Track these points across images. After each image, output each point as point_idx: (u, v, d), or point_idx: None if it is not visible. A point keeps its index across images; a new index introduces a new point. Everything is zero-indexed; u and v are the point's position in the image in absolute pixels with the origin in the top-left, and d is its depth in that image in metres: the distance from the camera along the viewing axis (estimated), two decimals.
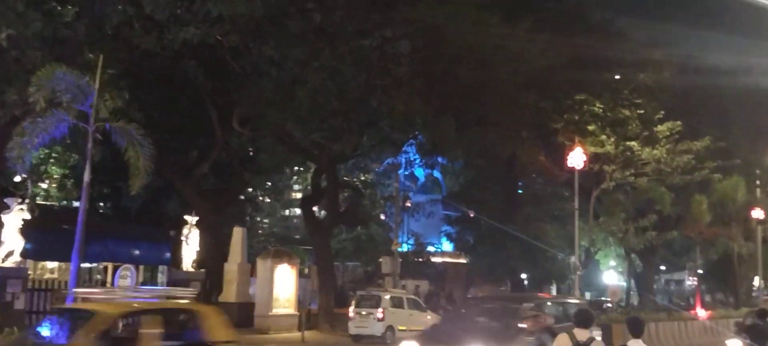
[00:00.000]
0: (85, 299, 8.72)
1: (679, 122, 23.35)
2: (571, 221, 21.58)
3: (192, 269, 20.03)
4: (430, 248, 34.45)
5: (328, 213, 22.02)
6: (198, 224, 20.20)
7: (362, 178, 25.22)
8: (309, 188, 23.57)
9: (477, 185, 27.85)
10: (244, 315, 18.56)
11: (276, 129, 18.79)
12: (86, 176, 12.73)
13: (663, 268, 37.55)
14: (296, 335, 18.24)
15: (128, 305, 7.72)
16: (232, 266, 19.86)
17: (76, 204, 18.93)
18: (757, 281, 31.66)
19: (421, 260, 32.89)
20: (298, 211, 27.53)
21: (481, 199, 27.31)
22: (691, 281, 37.92)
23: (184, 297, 8.17)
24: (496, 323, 10.48)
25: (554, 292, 31.73)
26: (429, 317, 18.45)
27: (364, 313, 18.39)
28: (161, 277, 19.51)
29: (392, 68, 17.83)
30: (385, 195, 26.82)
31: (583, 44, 21.54)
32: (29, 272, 15.86)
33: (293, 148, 20.65)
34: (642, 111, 23.54)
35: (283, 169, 24.05)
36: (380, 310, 18.34)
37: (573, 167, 21.13)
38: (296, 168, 25.82)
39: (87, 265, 18.54)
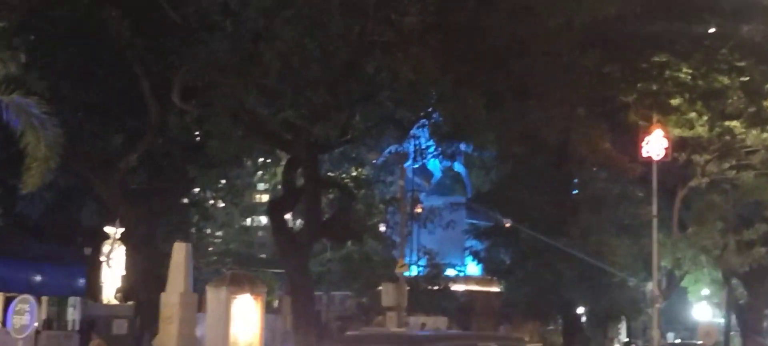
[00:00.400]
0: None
1: None
2: (647, 233, 21.90)
3: (116, 302, 20.16)
4: (450, 272, 34.69)
5: (307, 223, 22.21)
6: (124, 239, 20.24)
7: (354, 173, 24.98)
8: (278, 187, 23.99)
9: (515, 183, 27.95)
10: None
11: (232, 105, 18.88)
12: None
13: None
14: None
15: None
16: (172, 297, 19.41)
17: None
18: None
19: (436, 288, 33.05)
20: (263, 220, 28.30)
21: (521, 202, 27.36)
22: None
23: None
24: None
25: (624, 333, 31.95)
26: None
27: None
28: (72, 312, 19.46)
29: (396, 18, 17.99)
30: (386, 197, 26.84)
31: None
32: None
33: (256, 132, 20.68)
34: (747, 78, 23.53)
35: (242, 161, 23.93)
36: None
37: (649, 158, 21.48)
38: (261, 160, 25.83)
39: None
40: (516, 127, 21.43)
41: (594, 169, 27.42)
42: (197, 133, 21.41)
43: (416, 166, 25.85)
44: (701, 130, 23.48)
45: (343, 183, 23.76)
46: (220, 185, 25.32)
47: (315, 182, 21.45)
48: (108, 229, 20.05)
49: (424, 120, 21.79)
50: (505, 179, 29.38)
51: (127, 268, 19.93)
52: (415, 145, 23.05)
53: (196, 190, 25.46)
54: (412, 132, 22.00)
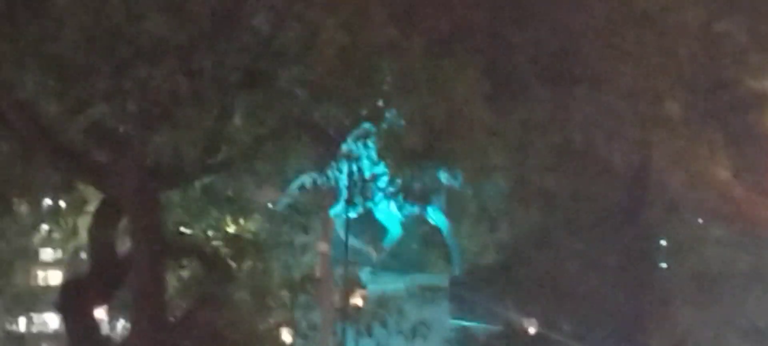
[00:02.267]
0: None
1: None
2: None
3: None
4: None
5: (137, 329, 18.84)
6: None
7: (230, 229, 21.65)
8: (80, 256, 22.01)
9: (545, 247, 25.22)
10: None
11: None
12: None
13: None
14: None
15: None
16: None
17: None
18: None
19: None
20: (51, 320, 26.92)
21: (559, 287, 25.01)
22: None
23: None
24: None
25: None
26: None
27: None
28: None
29: None
30: (294, 278, 22.69)
31: None
32: None
33: (37, 146, 18.10)
34: None
35: (9, 205, 20.38)
36: None
37: None
38: (48, 203, 21.77)
39: None
40: (551, 137, 19.53)
41: (699, 220, 25.07)
42: None
43: (354, 214, 23.34)
44: None
45: (209, 248, 20.52)
46: None
47: (154, 245, 18.00)
48: None
49: (368, 125, 18.69)
50: (526, 240, 25.55)
51: None
52: (351, 173, 20.53)
53: None
54: (345, 147, 19.13)
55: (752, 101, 22.18)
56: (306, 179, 22.30)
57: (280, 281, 22.44)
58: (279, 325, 23.07)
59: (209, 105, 15.94)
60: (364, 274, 27.08)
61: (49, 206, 21.19)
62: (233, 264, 20.44)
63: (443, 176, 21.29)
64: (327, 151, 19.20)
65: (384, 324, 25.63)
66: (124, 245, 18.32)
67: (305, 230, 23.32)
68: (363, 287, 26.39)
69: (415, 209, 23.60)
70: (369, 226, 26.79)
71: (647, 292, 25.71)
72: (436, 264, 29.11)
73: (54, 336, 28.61)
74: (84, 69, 15.35)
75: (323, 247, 23.79)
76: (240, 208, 21.00)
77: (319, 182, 21.63)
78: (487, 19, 18.90)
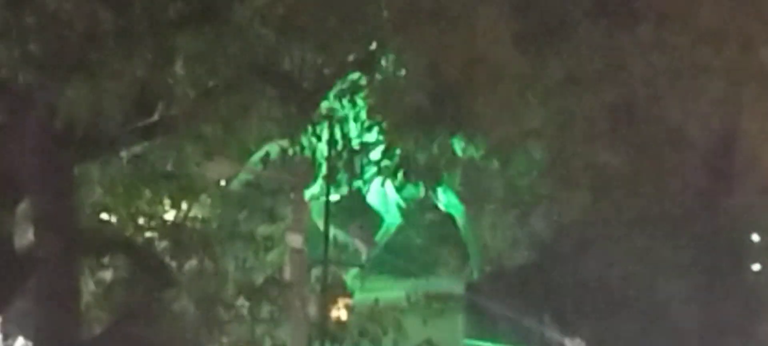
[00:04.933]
0: None
1: None
2: None
3: None
4: None
5: None
6: None
7: (168, 213, 22.29)
8: None
9: (595, 235, 25.48)
10: None
11: None
12: None
13: None
14: None
15: None
16: None
17: None
18: None
19: None
20: None
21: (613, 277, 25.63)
22: None
23: None
24: None
25: None
26: None
27: None
28: None
29: None
30: (255, 279, 23.46)
31: None
32: None
33: None
34: None
35: None
36: None
37: None
38: None
39: None
40: (604, 93, 19.22)
41: None
42: None
43: (337, 196, 23.13)
44: None
45: (139, 241, 21.33)
46: None
47: (65, 236, 18.06)
48: None
49: (356, 76, 19.05)
50: (569, 234, 25.72)
51: None
52: (333, 141, 20.74)
53: None
54: (325, 105, 19.42)
55: None
56: (272, 149, 21.68)
57: (237, 285, 22.71)
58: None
59: (140, 47, 15.79)
60: (351, 277, 26.74)
61: None
62: (172, 263, 20.58)
63: (458, 146, 20.76)
64: (300, 110, 18.78)
65: (376, 344, 25.94)
66: (24, 237, 17.84)
67: (271, 217, 23.38)
68: (348, 294, 26.30)
69: (420, 191, 23.24)
70: (357, 213, 26.36)
71: (733, 302, 25.79)
72: (447, 265, 28.53)
73: None
74: None
75: (295, 240, 23.40)
76: (182, 187, 20.86)
77: (289, 152, 21.14)
78: None
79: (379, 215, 26.68)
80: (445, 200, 26.03)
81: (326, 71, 18.90)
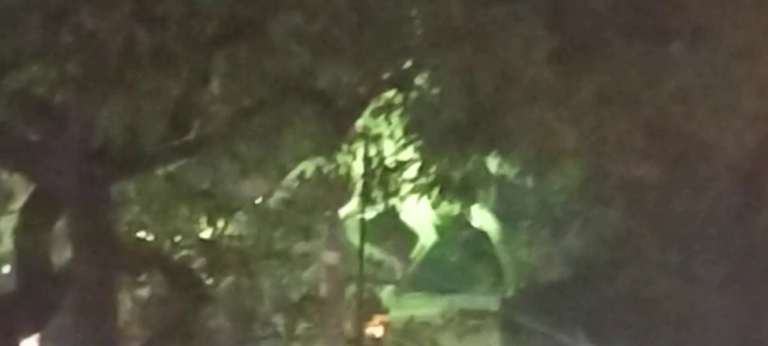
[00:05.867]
0: None
1: None
2: None
3: None
4: None
5: None
6: None
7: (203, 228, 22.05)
8: None
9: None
10: None
11: None
12: None
13: None
14: None
15: None
16: None
17: None
18: None
19: None
20: None
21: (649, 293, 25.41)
22: None
23: None
24: None
25: None
26: None
27: None
28: None
29: None
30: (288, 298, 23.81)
31: None
32: None
33: None
34: None
35: None
36: None
37: None
38: None
39: None
40: (639, 110, 18.40)
41: None
42: None
43: (373, 214, 23.70)
44: None
45: (176, 258, 21.32)
46: None
47: (102, 254, 17.86)
48: None
49: (392, 94, 18.74)
50: (604, 250, 25.91)
51: None
52: (368, 159, 21.08)
53: None
54: (360, 123, 19.65)
55: None
56: (307, 167, 21.53)
57: (273, 302, 23.13)
58: None
59: (176, 66, 15.68)
60: (386, 295, 27.05)
61: None
62: (209, 280, 20.75)
63: (493, 163, 21.06)
64: (336, 128, 18.64)
65: None
66: (62, 255, 18.12)
67: (307, 235, 23.14)
68: (384, 311, 26.46)
69: (456, 208, 23.13)
70: (392, 230, 26.72)
71: None
72: (482, 281, 28.91)
73: None
74: (6, 17, 15.17)
75: (331, 258, 23.53)
76: (218, 205, 20.87)
77: (325, 170, 21.15)
78: None
79: (415, 233, 27.34)
80: (480, 217, 26.67)
81: (361, 89, 18.72)
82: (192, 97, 16.89)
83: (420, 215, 25.71)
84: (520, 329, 28.23)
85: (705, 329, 25.38)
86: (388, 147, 20.10)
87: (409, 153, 19.90)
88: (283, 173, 22.49)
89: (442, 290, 28.76)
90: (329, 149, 20.12)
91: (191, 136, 17.88)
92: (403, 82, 18.39)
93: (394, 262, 27.74)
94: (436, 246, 27.97)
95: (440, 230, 27.30)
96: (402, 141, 19.65)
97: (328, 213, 23.73)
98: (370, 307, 25.80)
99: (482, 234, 27.94)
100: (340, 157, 20.52)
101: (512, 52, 16.42)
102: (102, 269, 17.60)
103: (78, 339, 18.45)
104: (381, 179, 21.22)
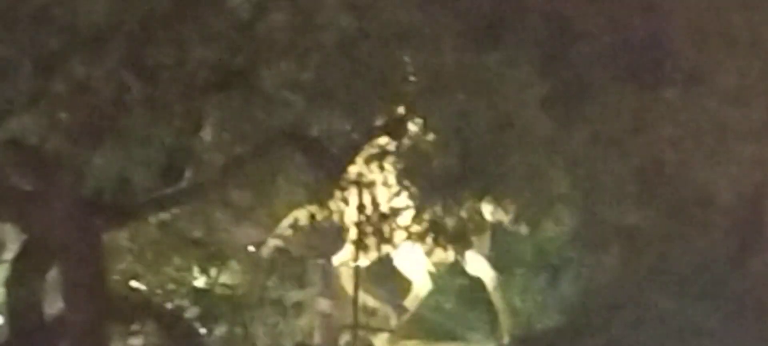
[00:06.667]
0: None
1: None
2: None
3: None
4: None
5: None
6: None
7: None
8: None
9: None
10: None
11: None
12: None
13: None
14: None
15: None
16: None
17: None
18: None
19: None
20: None
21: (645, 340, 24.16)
22: None
23: None
24: None
25: None
26: None
27: None
28: None
29: None
30: None
31: None
32: None
33: None
34: None
35: None
36: None
37: None
38: None
39: None
40: (632, 156, 18.89)
41: None
42: None
43: (367, 262, 23.99)
44: None
45: (169, 307, 21.22)
46: None
47: (94, 304, 17.84)
48: None
49: (385, 141, 18.71)
50: (599, 297, 25.40)
51: None
52: (362, 206, 20.78)
53: None
54: (353, 170, 19.19)
55: None
56: (301, 214, 21.57)
57: None
58: None
59: (168, 113, 15.62)
60: (381, 342, 26.55)
61: None
62: (202, 329, 20.64)
63: (487, 210, 20.64)
64: (329, 175, 18.55)
65: None
66: (54, 304, 17.88)
67: (300, 283, 23.24)
68: None
69: (450, 256, 23.24)
70: (387, 278, 26.57)
71: None
72: (478, 329, 28.52)
73: None
74: None
75: (324, 305, 23.51)
76: (211, 253, 20.83)
77: (318, 217, 20.69)
78: None
79: (409, 280, 27.10)
80: (475, 264, 26.44)
81: (354, 136, 18.59)
82: (184, 145, 16.82)
83: (414, 262, 25.96)
84: None
85: None
86: (382, 194, 19.78)
87: (402, 200, 19.65)
88: (277, 220, 22.90)
89: (437, 338, 28.44)
90: (322, 197, 19.96)
91: (184, 184, 17.89)
92: (395, 129, 18.36)
93: (388, 310, 27.40)
94: (430, 294, 27.74)
95: (435, 277, 27.18)
96: (395, 188, 19.47)
97: (321, 261, 23.88)
98: None
99: (477, 281, 27.67)
100: (334, 205, 20.21)
101: (505, 99, 16.53)
102: (94, 319, 17.52)
103: None
104: (375, 226, 20.92)
